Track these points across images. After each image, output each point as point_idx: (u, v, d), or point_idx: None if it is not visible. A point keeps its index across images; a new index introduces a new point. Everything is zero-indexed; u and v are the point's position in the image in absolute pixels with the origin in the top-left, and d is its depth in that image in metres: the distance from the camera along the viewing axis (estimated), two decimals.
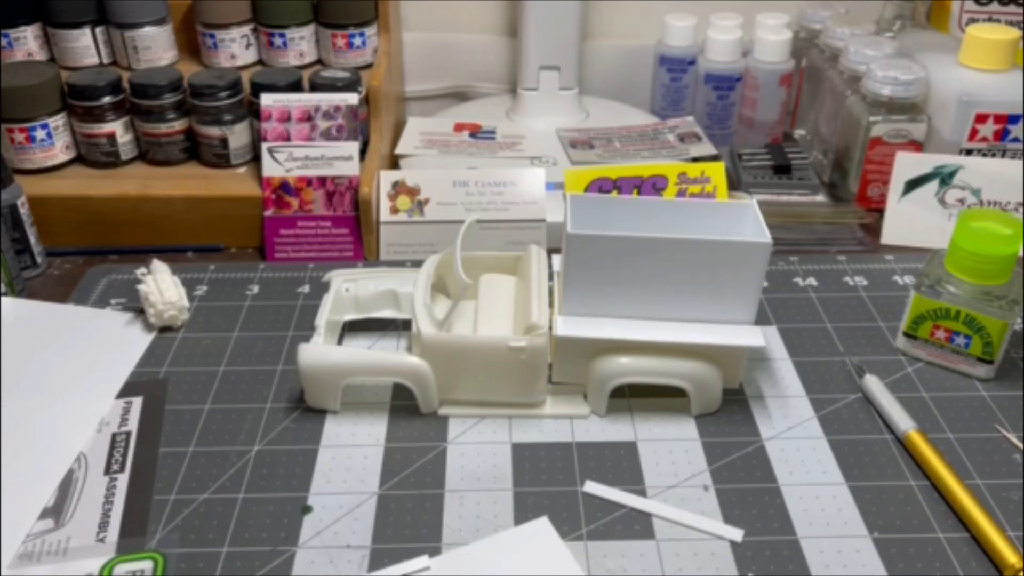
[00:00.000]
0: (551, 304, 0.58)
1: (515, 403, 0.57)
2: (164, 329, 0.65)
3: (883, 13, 0.92)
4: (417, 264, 0.69)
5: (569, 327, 0.55)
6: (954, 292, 0.58)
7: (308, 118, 0.74)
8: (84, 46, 0.82)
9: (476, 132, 0.87)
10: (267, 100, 0.74)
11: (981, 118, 0.75)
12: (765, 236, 0.53)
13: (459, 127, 0.88)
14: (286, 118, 0.74)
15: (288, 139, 0.74)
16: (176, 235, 0.75)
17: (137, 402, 0.58)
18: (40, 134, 0.75)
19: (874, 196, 0.80)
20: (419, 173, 0.75)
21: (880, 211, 0.78)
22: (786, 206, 0.80)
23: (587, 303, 0.55)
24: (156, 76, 0.76)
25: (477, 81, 1.00)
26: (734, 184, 0.83)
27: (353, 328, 0.64)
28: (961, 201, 0.75)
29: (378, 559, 0.47)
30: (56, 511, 0.50)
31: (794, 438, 0.55)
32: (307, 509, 0.50)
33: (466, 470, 0.53)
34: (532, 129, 0.87)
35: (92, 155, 0.78)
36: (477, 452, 0.54)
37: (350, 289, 0.63)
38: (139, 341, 0.63)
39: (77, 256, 0.74)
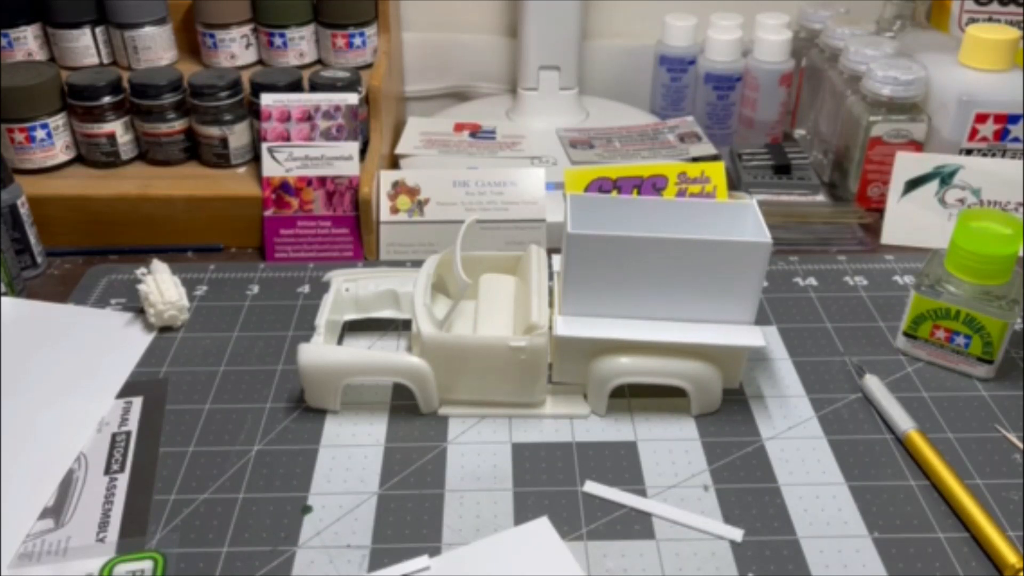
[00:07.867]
0: (551, 304, 0.58)
1: (515, 403, 0.57)
2: (164, 329, 0.65)
3: (883, 13, 0.92)
4: (417, 264, 0.69)
5: (569, 327, 0.55)
6: (954, 292, 0.58)
7: (308, 118, 0.74)
8: (84, 46, 0.82)
9: (476, 132, 0.87)
10: (267, 100, 0.74)
11: (981, 118, 0.75)
12: (765, 236, 0.53)
13: (459, 127, 0.88)
14: (286, 118, 0.74)
15: (288, 139, 0.74)
16: (176, 235, 0.75)
17: (137, 402, 0.58)
18: (40, 134, 0.75)
19: (874, 196, 0.80)
20: (419, 173, 0.75)
21: (880, 211, 0.78)
22: (786, 206, 0.80)
23: (587, 303, 0.55)
24: (156, 76, 0.76)
25: (477, 81, 0.99)
26: (734, 184, 0.83)
27: (353, 328, 0.64)
28: (961, 201, 0.75)
29: (378, 559, 0.47)
30: (56, 511, 0.50)
31: (794, 438, 0.55)
32: (307, 509, 0.50)
33: (466, 470, 0.53)
34: (532, 129, 0.87)
35: (92, 155, 0.78)
36: (477, 452, 0.54)
37: (350, 289, 0.63)
38: (139, 341, 0.63)
39: (77, 256, 0.74)
